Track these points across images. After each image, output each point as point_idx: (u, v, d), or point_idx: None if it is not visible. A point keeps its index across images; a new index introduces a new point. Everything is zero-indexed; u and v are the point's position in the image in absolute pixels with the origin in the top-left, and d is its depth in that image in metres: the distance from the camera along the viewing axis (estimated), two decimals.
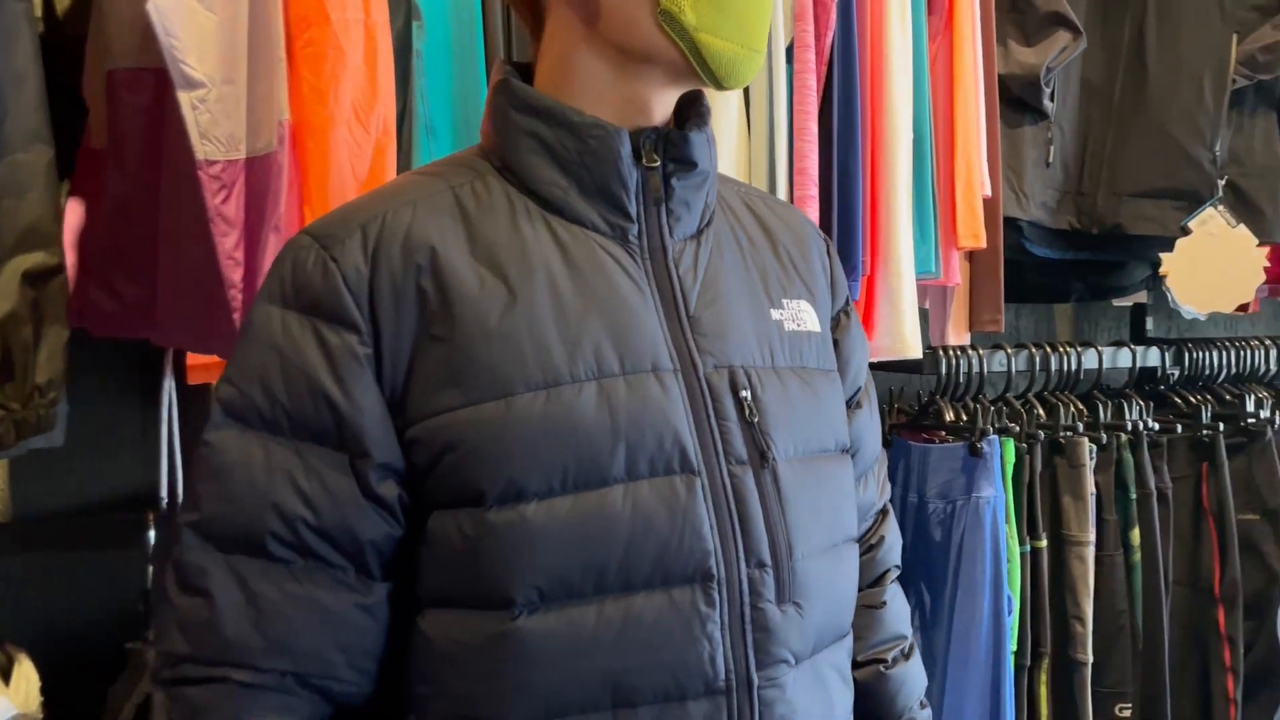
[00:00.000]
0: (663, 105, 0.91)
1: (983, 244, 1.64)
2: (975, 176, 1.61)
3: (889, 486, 1.16)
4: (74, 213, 1.47)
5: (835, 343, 1.04)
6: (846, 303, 1.08)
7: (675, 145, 0.90)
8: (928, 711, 1.11)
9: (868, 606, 1.08)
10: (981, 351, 1.87)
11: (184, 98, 1.13)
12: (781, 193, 1.41)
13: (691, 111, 0.94)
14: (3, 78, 1.08)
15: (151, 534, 1.38)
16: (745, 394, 0.90)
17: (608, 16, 0.88)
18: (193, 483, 0.86)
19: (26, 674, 1.29)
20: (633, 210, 0.90)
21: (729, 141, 1.37)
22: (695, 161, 0.91)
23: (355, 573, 0.85)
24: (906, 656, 1.10)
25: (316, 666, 0.84)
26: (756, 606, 0.86)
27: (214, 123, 1.14)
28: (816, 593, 0.91)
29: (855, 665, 1.02)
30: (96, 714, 1.35)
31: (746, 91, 1.43)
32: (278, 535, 0.83)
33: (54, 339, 1.12)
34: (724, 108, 1.37)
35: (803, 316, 0.98)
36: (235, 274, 1.18)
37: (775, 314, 0.96)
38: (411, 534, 0.86)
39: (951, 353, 1.84)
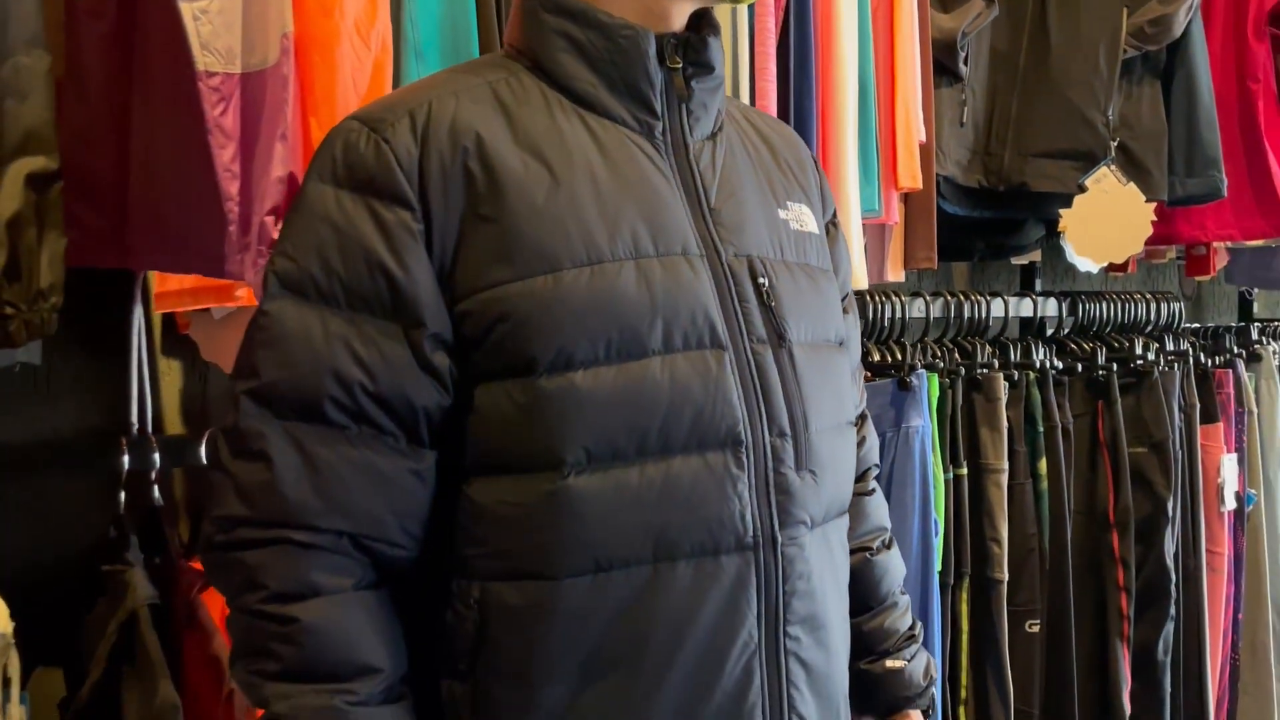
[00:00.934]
0: (679, 15, 0.99)
1: (920, 185, 1.76)
2: (914, 122, 1.73)
3: (865, 394, 1.26)
4: None
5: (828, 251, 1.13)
6: (834, 215, 1.17)
7: (695, 50, 0.98)
8: (906, 597, 1.22)
9: (856, 496, 1.18)
10: (903, 298, 2.00)
11: (186, 9, 1.14)
12: None
13: (704, 23, 1.01)
14: None
15: (125, 459, 1.38)
16: (763, 280, 0.98)
17: None
18: (247, 354, 0.89)
19: None
20: (658, 107, 0.97)
21: None
22: (713, 65, 0.99)
23: (407, 440, 0.90)
24: (888, 546, 1.20)
25: (371, 528, 0.88)
26: (779, 471, 0.95)
27: (214, 34, 1.15)
28: (828, 463, 1.00)
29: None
30: (73, 637, 1.34)
31: None
32: (336, 400, 0.87)
33: (54, 244, 1.12)
34: None
35: (804, 219, 1.08)
36: (232, 186, 1.19)
37: (782, 214, 1.05)
38: (458, 405, 0.91)
39: (877, 298, 1.96)
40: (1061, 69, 2.16)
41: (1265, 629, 2.40)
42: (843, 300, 1.15)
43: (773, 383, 0.97)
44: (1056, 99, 2.16)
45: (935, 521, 1.91)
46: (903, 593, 1.20)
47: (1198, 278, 2.86)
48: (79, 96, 1.38)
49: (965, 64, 2.09)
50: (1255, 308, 3.20)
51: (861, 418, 1.23)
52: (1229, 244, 2.73)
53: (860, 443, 1.21)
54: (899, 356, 1.96)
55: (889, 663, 1.14)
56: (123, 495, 1.38)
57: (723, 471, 0.93)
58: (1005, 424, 2.02)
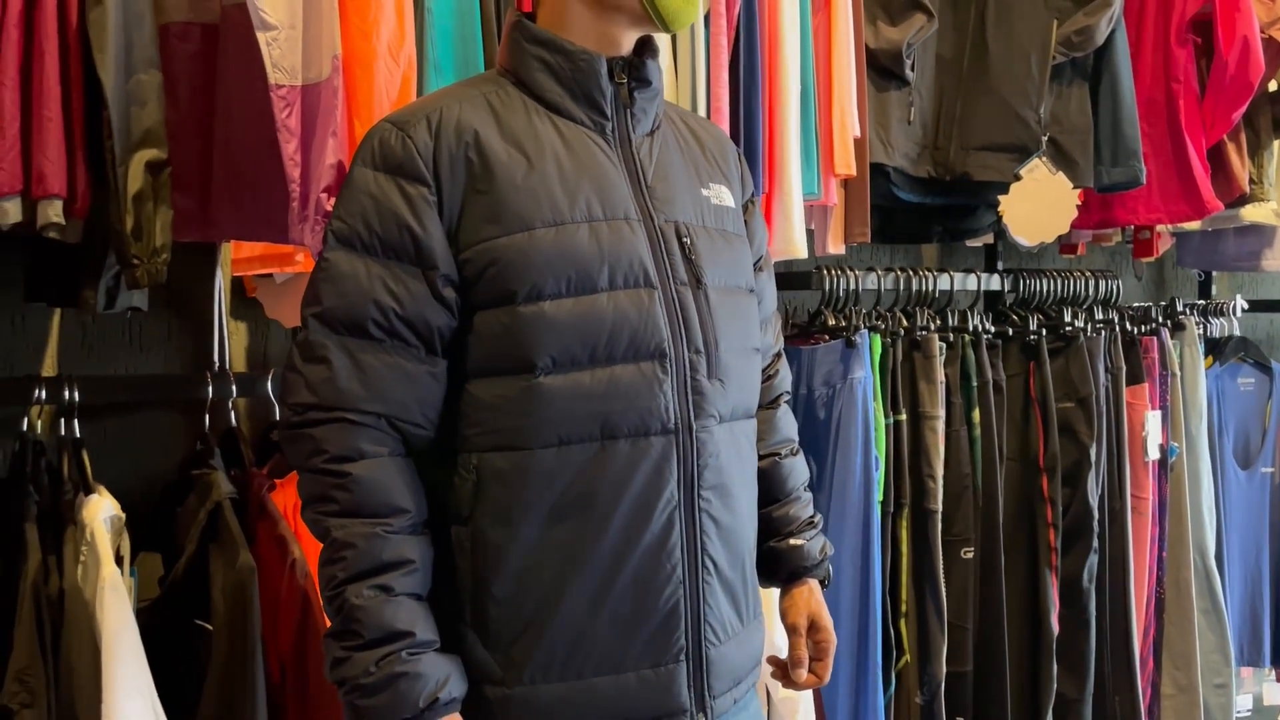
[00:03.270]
0: (627, 41, 1.34)
1: (853, 172, 2.10)
2: (848, 120, 2.07)
3: (782, 339, 1.61)
4: None
5: (745, 222, 1.48)
6: (752, 196, 1.52)
7: (637, 69, 1.33)
8: (810, 494, 1.56)
9: (767, 411, 1.53)
10: (858, 272, 2.34)
11: (261, 37, 1.51)
12: None
13: (646, 48, 1.37)
14: (131, 18, 1.44)
15: (210, 388, 1.75)
16: (686, 240, 1.33)
17: None
18: (312, 287, 1.25)
19: (106, 498, 1.65)
20: (608, 111, 1.32)
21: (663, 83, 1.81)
22: (650, 80, 1.35)
23: (426, 351, 1.24)
24: (794, 454, 1.55)
25: (402, 412, 1.23)
26: (694, 378, 1.29)
27: (282, 56, 1.52)
28: (733, 375, 1.34)
29: (760, 457, 1.46)
30: (169, 530, 1.71)
31: (675, 47, 1.87)
32: (376, 321, 1.22)
33: (165, 215, 1.49)
34: (660, 57, 1.81)
35: (723, 196, 1.42)
36: (295, 172, 1.56)
37: (704, 192, 1.40)
38: (462, 326, 1.26)
39: (834, 272, 2.30)
40: (999, 73, 2.46)
41: (1187, 567, 2.70)
42: (757, 261, 1.48)
43: (691, 314, 1.31)
44: (995, 99, 2.46)
45: (876, 459, 2.24)
46: (806, 489, 1.53)
47: (1144, 259, 3.17)
48: (171, 104, 1.76)
49: (911, 70, 2.42)
50: (1214, 290, 3.51)
51: (777, 356, 1.57)
52: (1171, 228, 3.04)
53: (773, 375, 1.54)
54: (850, 322, 2.30)
55: (791, 540, 1.47)
56: (207, 418, 1.76)
57: (652, 376, 1.27)
58: (941, 378, 2.34)
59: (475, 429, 1.26)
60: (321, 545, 1.22)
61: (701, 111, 1.86)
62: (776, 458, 1.51)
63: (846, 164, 2.08)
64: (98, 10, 1.37)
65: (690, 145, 1.42)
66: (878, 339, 2.28)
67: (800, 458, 1.56)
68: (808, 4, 2.03)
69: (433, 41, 1.64)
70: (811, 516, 1.51)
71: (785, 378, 1.59)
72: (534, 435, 1.23)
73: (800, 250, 1.99)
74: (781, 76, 1.97)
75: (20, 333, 1.80)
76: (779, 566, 1.48)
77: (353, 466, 1.21)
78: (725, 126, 1.88)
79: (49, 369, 1.84)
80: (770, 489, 1.48)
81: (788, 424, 1.56)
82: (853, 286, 2.33)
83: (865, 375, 2.22)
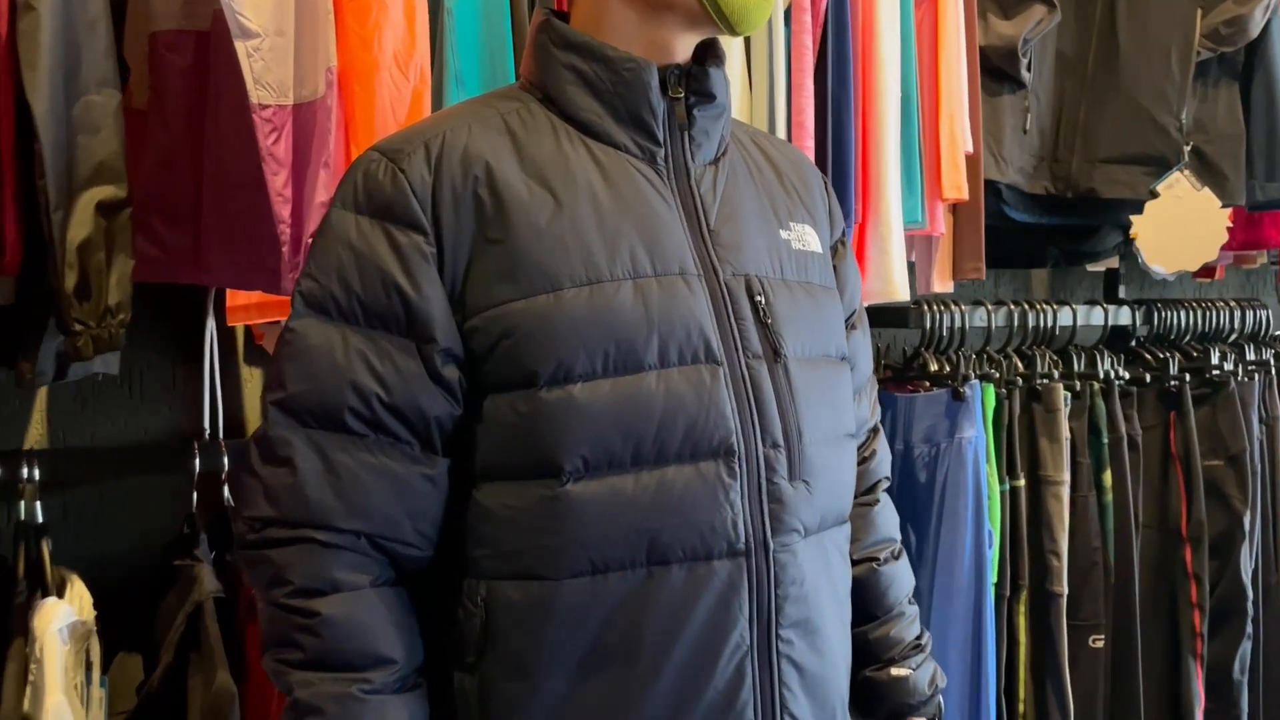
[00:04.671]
0: (683, 47, 1.04)
1: (965, 196, 1.76)
2: (958, 133, 1.73)
3: (879, 409, 1.28)
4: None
5: (834, 268, 1.17)
6: (843, 234, 1.21)
7: (697, 80, 1.03)
8: (915, 608, 1.23)
9: (862, 507, 1.21)
10: (964, 307, 2.00)
11: (240, 47, 1.24)
12: None
13: (709, 54, 1.06)
14: (79, 26, 1.18)
15: (197, 460, 1.49)
16: (760, 299, 1.02)
17: None
18: (275, 367, 0.97)
19: (79, 592, 1.40)
20: (660, 135, 1.02)
21: (733, 97, 1.49)
22: (714, 94, 1.04)
23: (421, 447, 0.96)
24: (896, 557, 1.22)
25: (388, 529, 0.95)
26: (772, 481, 0.99)
27: (266, 70, 1.25)
28: (822, 474, 1.03)
29: (853, 563, 1.14)
30: (150, 625, 1.45)
31: (749, 50, 1.55)
32: (355, 410, 0.94)
33: (122, 266, 1.23)
34: (727, 65, 1.49)
35: (807, 238, 1.11)
36: (284, 210, 1.28)
37: (783, 234, 1.09)
38: (468, 415, 0.97)
39: (935, 307, 1.96)
40: (1131, 73, 2.12)
41: None
42: (849, 317, 1.18)
43: (767, 396, 1.00)
44: (1126, 103, 2.12)
45: (990, 533, 1.90)
46: (911, 603, 1.22)
47: None
48: (162, 124, 1.51)
49: (1028, 70, 2.07)
50: None
51: (873, 431, 1.25)
52: None
53: (869, 456, 1.23)
54: (957, 368, 1.95)
55: (894, 670, 1.16)
56: (195, 495, 1.50)
57: (715, 480, 0.97)
58: (1066, 435, 1.99)
59: (484, 550, 0.97)
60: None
61: (781, 128, 1.54)
62: (874, 564, 1.20)
63: (956, 186, 1.74)
64: (28, 19, 1.11)
65: (765, 174, 1.12)
66: (991, 390, 1.93)
67: (903, 562, 1.24)
68: None
69: (453, 49, 1.35)
70: (918, 638, 1.20)
71: (884, 459, 1.27)
72: (560, 561, 0.95)
73: (900, 291, 1.66)
74: (878, 83, 1.64)
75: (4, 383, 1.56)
76: (878, 703, 1.18)
77: (323, 603, 0.93)
78: (810, 146, 1.55)
79: (38, 425, 1.61)
80: (866, 603, 1.17)
81: (888, 519, 1.24)
82: (958, 324, 1.98)
83: (977, 434, 1.88)
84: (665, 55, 1.03)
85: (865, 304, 1.67)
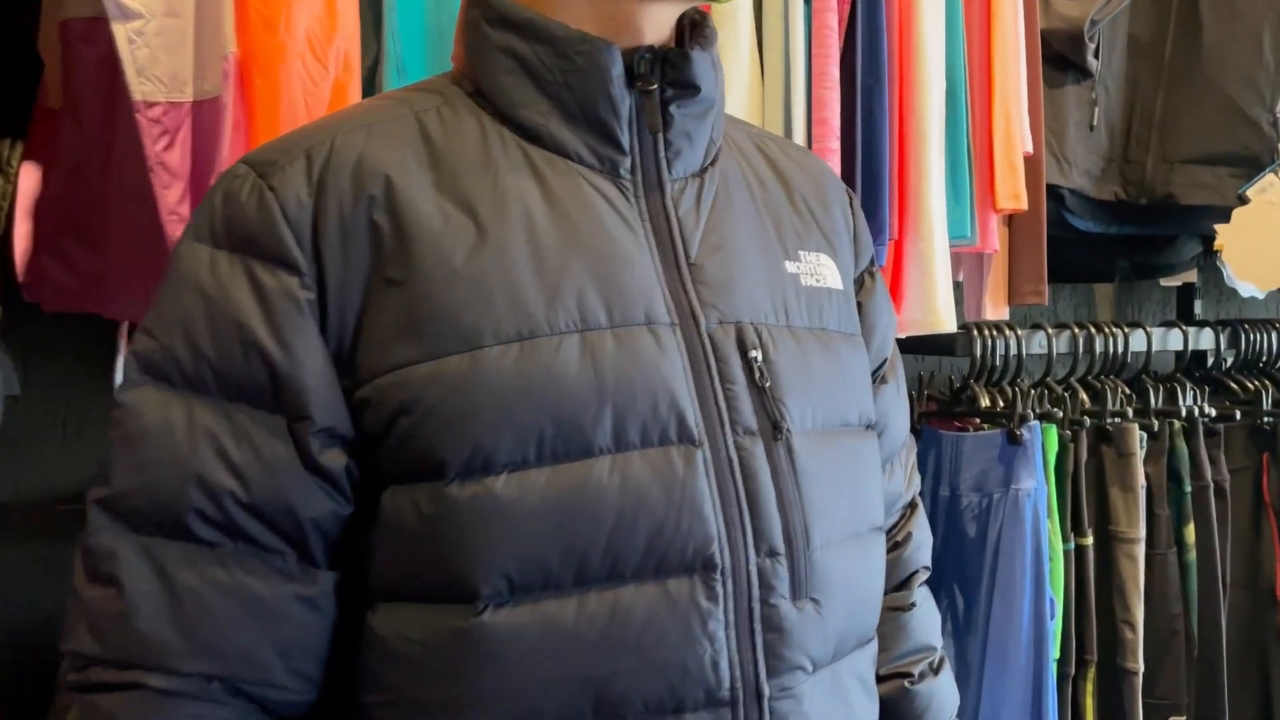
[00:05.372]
0: (656, 23, 0.78)
1: (1023, 205, 1.48)
2: (1015, 131, 1.45)
3: (918, 478, 1.02)
4: (28, 178, 1.36)
5: (859, 306, 0.91)
6: (871, 263, 0.95)
7: (675, 66, 0.77)
8: None
9: (893, 611, 0.94)
10: (1020, 331, 1.72)
11: (119, 30, 1.00)
12: (799, 142, 1.26)
13: (695, 33, 0.81)
14: None
15: None
16: (755, 354, 0.77)
17: None
18: (107, 453, 0.73)
19: None
20: (625, 140, 0.77)
21: (739, 87, 1.23)
22: (698, 85, 0.78)
23: (296, 558, 0.72)
24: (935, 671, 0.96)
25: (248, 670, 0.71)
26: (768, 602, 0.74)
27: (153, 59, 1.01)
28: (839, 588, 0.78)
29: (878, 679, 0.89)
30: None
31: (760, 32, 1.29)
32: (202, 512, 0.70)
33: None
34: (733, 48, 1.23)
35: (822, 271, 0.86)
36: (179, 230, 1.05)
37: (791, 266, 0.83)
38: (363, 514, 0.73)
39: (987, 332, 1.68)
40: (1216, 60, 1.84)
41: None
42: (878, 369, 0.92)
43: (763, 486, 0.75)
44: (1211, 95, 1.84)
45: (1051, 601, 1.62)
46: None
47: None
48: (75, 124, 1.29)
49: (1095, 57, 1.79)
50: None
51: (909, 508, 0.99)
52: None
53: (902, 541, 0.97)
54: (1013, 404, 1.67)
55: None
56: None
57: (688, 605, 0.72)
58: (1142, 483, 1.70)
59: (380, 696, 0.73)
60: None
61: (799, 126, 1.27)
62: (907, 681, 0.95)
63: (1013, 194, 1.46)
64: None
65: (769, 188, 0.86)
66: (1053, 432, 1.65)
67: (946, 675, 0.98)
68: None
69: (393, 33, 1.10)
70: None
71: (923, 543, 1.01)
72: (476, 713, 0.68)
73: (945, 321, 1.39)
74: (918, 72, 1.37)
75: None
76: None
77: None
78: (834, 147, 1.29)
79: None
80: None
81: (926, 623, 0.98)
82: (1013, 351, 1.70)
83: (1037, 486, 1.60)
84: (632, 33, 0.77)
85: (904, 334, 1.41)
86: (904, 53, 1.36)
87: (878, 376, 0.94)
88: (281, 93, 0.98)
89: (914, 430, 1.81)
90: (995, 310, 1.60)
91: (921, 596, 0.99)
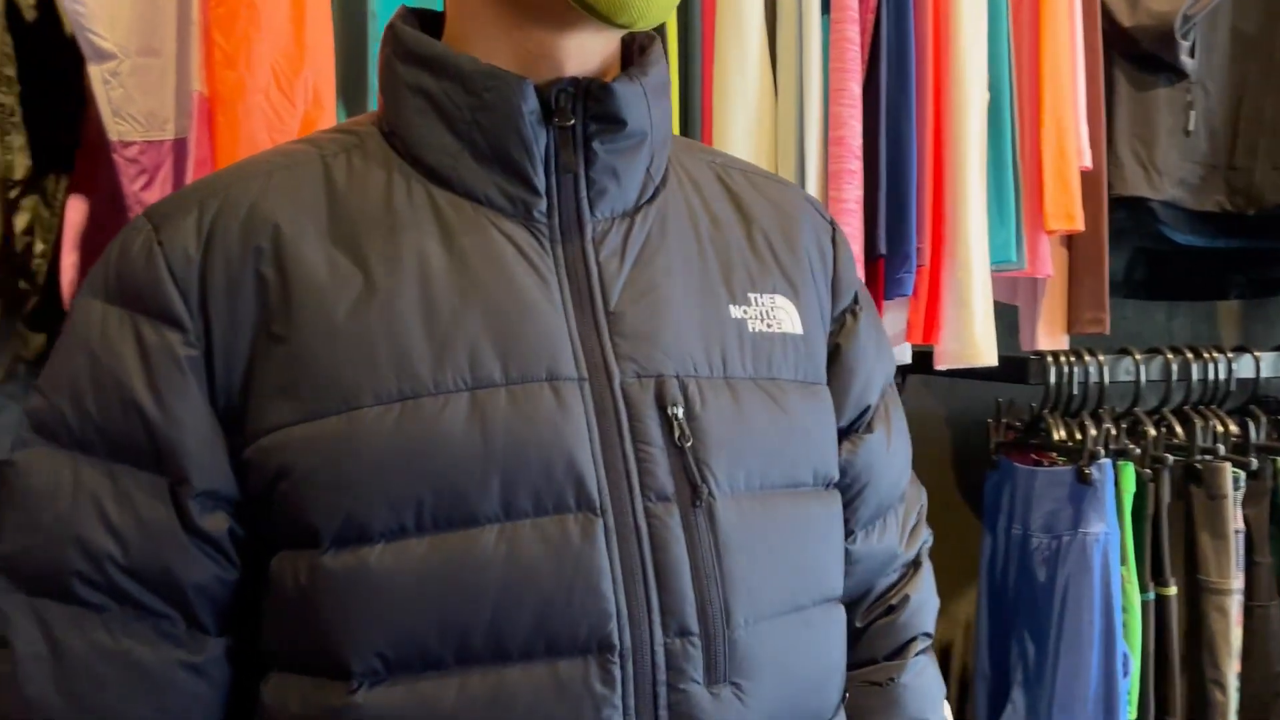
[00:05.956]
0: (578, 54, 0.72)
1: (1078, 226, 1.35)
2: (1069, 144, 1.32)
3: (927, 533, 0.93)
4: (75, 210, 1.40)
5: (835, 349, 0.83)
6: (855, 301, 0.86)
7: (597, 99, 0.71)
8: None
9: (879, 684, 0.85)
10: (1102, 358, 1.57)
11: (94, 71, 1.01)
12: (813, 167, 1.17)
13: (637, 59, 0.74)
14: None
15: None
16: (676, 410, 0.70)
17: None
18: None
19: None
20: (539, 181, 0.71)
21: (747, 103, 1.15)
22: (623, 118, 0.72)
23: (184, 623, 0.69)
24: None
25: None
26: (676, 687, 0.67)
27: (128, 99, 1.01)
28: (768, 670, 0.70)
29: None
30: None
31: (774, 46, 1.21)
32: (83, 575, 0.68)
33: None
34: (739, 61, 1.15)
35: (777, 315, 0.78)
36: None
37: (736, 311, 0.76)
38: (253, 578, 0.70)
39: (1063, 359, 1.55)
40: None
41: None
42: (859, 418, 0.83)
43: (674, 559, 0.68)
44: None
45: (1126, 657, 1.47)
46: None
47: None
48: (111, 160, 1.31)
49: (1191, 55, 1.63)
50: None
51: (910, 567, 0.90)
52: None
53: (898, 605, 0.88)
54: (1085, 436, 1.53)
55: None
56: None
57: (580, 689, 0.66)
58: (1238, 528, 1.53)
59: None
60: None
61: (814, 146, 1.18)
62: None
63: (1066, 214, 1.33)
64: None
65: (723, 225, 0.80)
66: (1130, 470, 1.50)
67: None
68: None
69: (377, 65, 1.07)
70: None
71: (924, 606, 0.91)
72: None
73: (984, 353, 1.27)
74: (957, 84, 1.26)
75: None
76: None
77: None
78: (853, 168, 1.19)
79: None
80: None
81: (920, 695, 0.88)
82: (1092, 379, 1.56)
83: (1107, 530, 1.45)
84: (550, 67, 0.71)
85: (941, 367, 1.30)
86: (940, 62, 1.25)
87: (859, 426, 0.85)
88: (240, 128, 0.96)
89: (990, 462, 1.69)
90: (1051, 339, 1.46)
91: (919, 666, 0.89)
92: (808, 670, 0.74)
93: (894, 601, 0.88)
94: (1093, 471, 1.46)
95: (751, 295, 0.78)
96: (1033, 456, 1.61)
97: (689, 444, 0.70)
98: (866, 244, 1.19)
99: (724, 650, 0.68)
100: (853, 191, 1.17)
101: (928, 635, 0.90)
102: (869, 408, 0.86)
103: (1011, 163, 1.29)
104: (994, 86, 1.28)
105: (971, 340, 1.24)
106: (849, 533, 0.85)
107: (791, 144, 1.17)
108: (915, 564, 0.91)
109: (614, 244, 0.73)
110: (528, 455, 0.67)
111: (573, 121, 0.71)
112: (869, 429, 0.85)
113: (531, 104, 0.70)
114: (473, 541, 0.66)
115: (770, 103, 1.18)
